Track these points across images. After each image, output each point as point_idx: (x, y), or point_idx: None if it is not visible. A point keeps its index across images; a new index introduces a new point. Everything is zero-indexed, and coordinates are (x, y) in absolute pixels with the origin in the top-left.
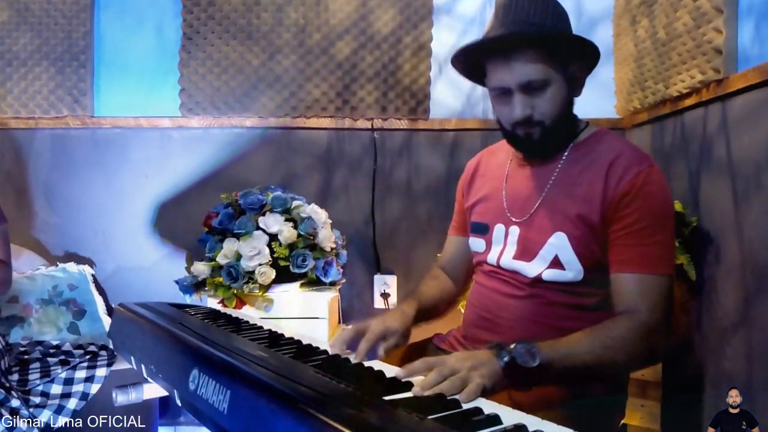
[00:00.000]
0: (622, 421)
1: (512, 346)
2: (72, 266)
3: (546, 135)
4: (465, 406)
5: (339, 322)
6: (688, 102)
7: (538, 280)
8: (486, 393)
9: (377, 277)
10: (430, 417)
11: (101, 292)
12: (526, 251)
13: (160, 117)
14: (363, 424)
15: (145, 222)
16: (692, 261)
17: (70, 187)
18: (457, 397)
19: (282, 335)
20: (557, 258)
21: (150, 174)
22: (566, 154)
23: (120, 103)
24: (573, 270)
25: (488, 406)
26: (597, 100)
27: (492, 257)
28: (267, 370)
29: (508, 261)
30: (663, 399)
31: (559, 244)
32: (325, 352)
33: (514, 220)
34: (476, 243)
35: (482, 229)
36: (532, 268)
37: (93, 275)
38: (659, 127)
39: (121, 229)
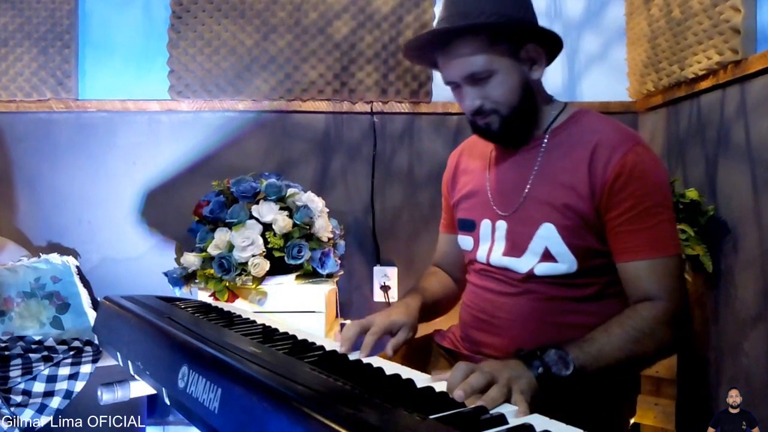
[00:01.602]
0: (634, 420)
1: (543, 354)
2: (55, 257)
3: (506, 124)
4: (469, 405)
5: (336, 316)
6: (705, 84)
7: (530, 276)
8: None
9: (377, 269)
10: (432, 416)
11: (86, 284)
12: (515, 246)
13: (149, 100)
14: (361, 424)
15: (132, 211)
16: (709, 252)
17: (54, 174)
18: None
19: (276, 330)
20: (548, 250)
21: (137, 160)
22: (545, 140)
23: (106, 86)
24: (566, 262)
25: None
26: (608, 83)
27: (481, 255)
28: (260, 367)
29: (498, 258)
30: (678, 397)
31: (547, 235)
32: (321, 348)
33: (500, 213)
34: (464, 241)
35: (469, 226)
36: (522, 264)
37: (77, 267)
38: (674, 111)
39: (107, 218)
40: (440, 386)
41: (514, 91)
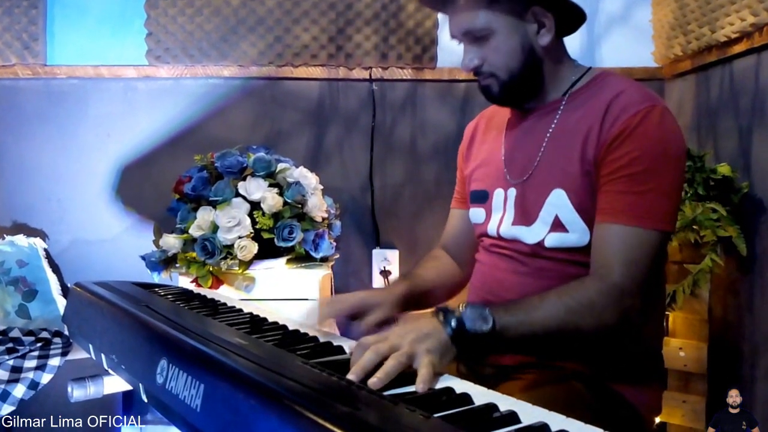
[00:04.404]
0: (660, 419)
1: (460, 309)
2: (21, 239)
3: (506, 89)
4: (478, 402)
5: None
6: (738, 48)
7: (540, 247)
8: (435, 368)
9: (376, 252)
10: (436, 415)
11: (55, 269)
12: (525, 214)
13: (124, 66)
14: (359, 424)
15: (106, 188)
16: (742, 233)
17: (19, 147)
18: (417, 388)
19: (265, 320)
20: (558, 219)
21: (112, 132)
22: (563, 103)
23: (77, 50)
24: (576, 231)
25: (504, 402)
26: (632, 47)
27: (492, 227)
28: (247, 361)
29: (508, 228)
30: (708, 394)
31: (558, 202)
32: (314, 339)
33: (512, 181)
34: (476, 213)
35: (482, 197)
36: (532, 233)
37: (46, 250)
38: (704, 78)
39: (78, 196)
40: (444, 382)
41: (514, 55)
